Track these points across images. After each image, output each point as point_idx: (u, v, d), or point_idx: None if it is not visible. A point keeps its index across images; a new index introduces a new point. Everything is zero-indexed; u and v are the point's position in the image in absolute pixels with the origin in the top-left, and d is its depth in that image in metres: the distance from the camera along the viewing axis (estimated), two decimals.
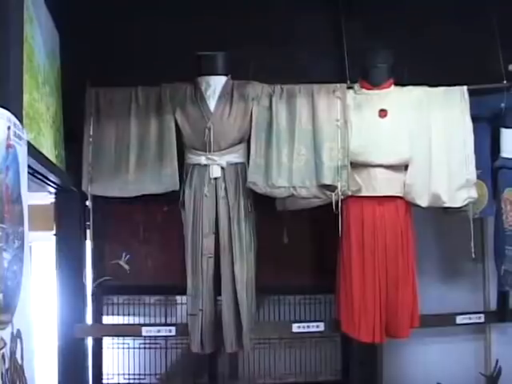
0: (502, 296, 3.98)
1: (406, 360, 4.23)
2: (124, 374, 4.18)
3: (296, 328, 3.79)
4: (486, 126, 3.75)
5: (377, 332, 3.51)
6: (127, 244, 4.05)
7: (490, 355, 4.29)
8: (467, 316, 3.98)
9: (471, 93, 3.56)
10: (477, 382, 4.16)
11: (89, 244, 3.83)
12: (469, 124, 3.53)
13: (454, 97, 3.56)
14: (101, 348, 4.13)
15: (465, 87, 3.56)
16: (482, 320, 4.02)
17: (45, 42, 2.97)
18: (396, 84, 3.60)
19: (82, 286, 3.82)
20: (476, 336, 4.30)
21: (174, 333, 3.75)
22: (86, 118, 3.51)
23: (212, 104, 3.48)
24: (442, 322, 3.97)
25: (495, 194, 3.75)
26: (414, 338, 3.77)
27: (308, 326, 3.80)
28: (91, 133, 3.50)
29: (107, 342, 4.13)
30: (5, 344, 1.85)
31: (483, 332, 4.31)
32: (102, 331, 3.97)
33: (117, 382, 4.18)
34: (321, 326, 3.79)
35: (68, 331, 3.71)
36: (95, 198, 3.51)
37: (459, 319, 3.95)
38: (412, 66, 3.77)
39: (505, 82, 3.66)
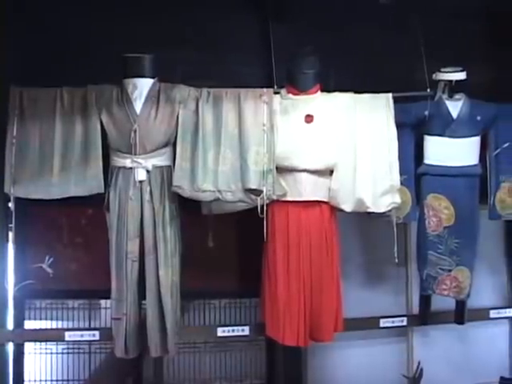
0: (424, 299, 4.05)
1: (330, 363, 4.28)
2: (46, 381, 4.11)
3: (221, 332, 3.81)
4: (410, 132, 3.82)
5: (301, 335, 3.54)
6: (51, 247, 3.98)
7: (412, 357, 4.38)
8: (390, 319, 4.08)
9: (396, 100, 3.61)
10: (399, 383, 4.24)
11: (11, 247, 3.76)
12: (393, 130, 3.58)
13: (379, 103, 3.60)
14: (22, 353, 4.04)
15: (390, 94, 3.60)
16: (405, 323, 4.13)
17: None
18: (323, 90, 3.62)
19: (4, 290, 3.75)
20: (399, 339, 4.40)
21: (97, 337, 3.72)
22: (9, 118, 3.41)
23: (138, 106, 3.43)
24: (366, 325, 4.06)
25: (418, 199, 3.85)
26: (339, 341, 3.83)
27: (233, 330, 3.82)
28: (15, 133, 3.40)
29: (29, 347, 4.04)
30: None
31: (406, 335, 4.41)
32: (23, 336, 3.88)
33: None
34: (246, 330, 3.82)
35: None
36: (18, 200, 3.41)
37: (382, 322, 4.04)
38: (339, 72, 3.83)
39: (429, 90, 3.74)
